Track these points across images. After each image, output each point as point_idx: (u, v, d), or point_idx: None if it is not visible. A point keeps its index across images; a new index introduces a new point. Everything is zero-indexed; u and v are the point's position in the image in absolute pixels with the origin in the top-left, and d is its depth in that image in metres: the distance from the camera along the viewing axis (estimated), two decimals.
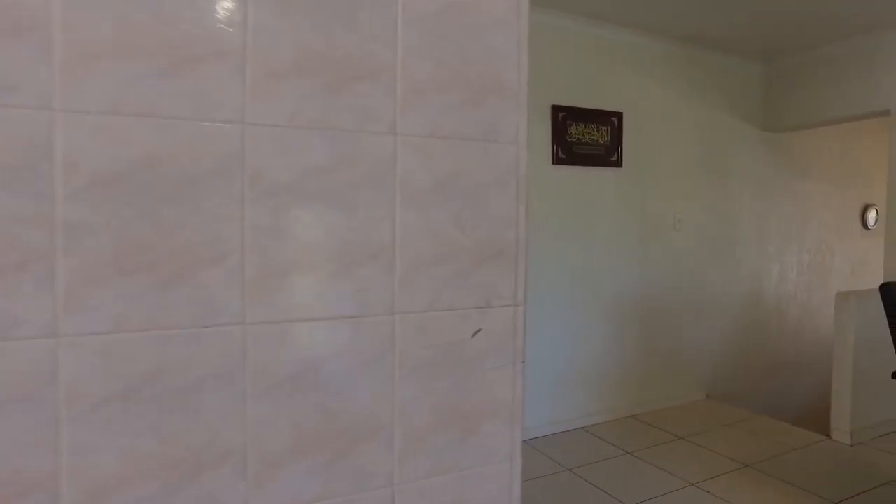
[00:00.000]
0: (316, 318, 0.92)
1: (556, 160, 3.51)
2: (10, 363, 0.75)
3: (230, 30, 0.85)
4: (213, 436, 0.86)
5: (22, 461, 0.76)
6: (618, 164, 3.74)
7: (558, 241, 3.53)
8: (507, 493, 1.10)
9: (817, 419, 4.85)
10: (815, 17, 3.53)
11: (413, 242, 0.98)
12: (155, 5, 0.80)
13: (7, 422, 0.75)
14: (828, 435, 3.45)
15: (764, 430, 3.60)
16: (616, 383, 3.81)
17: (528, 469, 3.08)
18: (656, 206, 3.94)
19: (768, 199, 4.52)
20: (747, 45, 4.05)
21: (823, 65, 4.08)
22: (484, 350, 1.06)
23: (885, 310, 2.33)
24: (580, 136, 3.59)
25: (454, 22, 1.00)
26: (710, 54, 4.13)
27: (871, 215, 5.33)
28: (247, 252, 0.87)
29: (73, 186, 0.77)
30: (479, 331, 1.06)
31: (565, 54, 3.52)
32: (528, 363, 1.19)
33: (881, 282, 5.16)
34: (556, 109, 3.50)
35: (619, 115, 3.74)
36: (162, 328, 0.83)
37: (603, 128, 3.67)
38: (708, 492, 2.80)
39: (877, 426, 3.43)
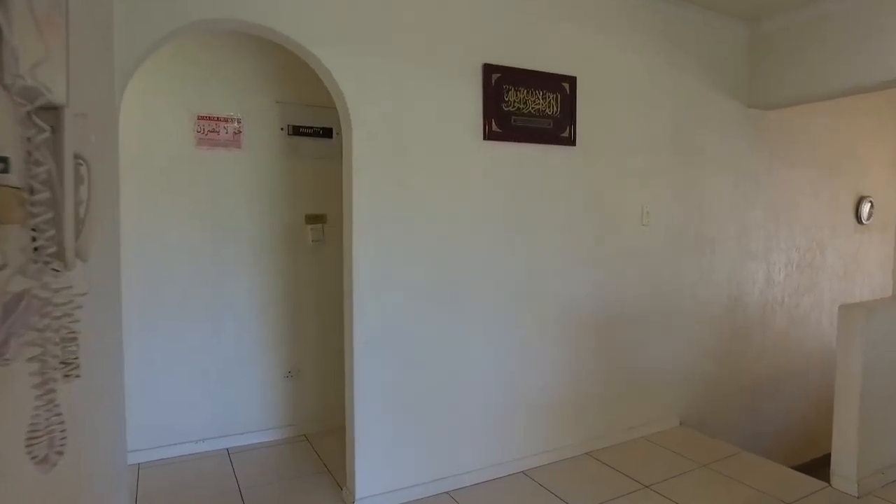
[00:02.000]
0: None
1: (489, 135, 2.75)
2: None
3: None
4: None
5: None
6: (570, 141, 2.99)
7: (491, 240, 2.78)
8: None
9: (812, 446, 4.18)
10: None
11: None
12: None
13: None
14: (828, 481, 2.75)
15: (750, 474, 2.89)
16: (568, 413, 3.08)
17: None
18: (617, 196, 3.20)
19: (752, 187, 3.82)
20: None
21: (819, 26, 3.38)
22: None
23: None
24: (521, 106, 2.83)
25: None
26: (687, 9, 3.40)
27: (866, 208, 4.68)
28: None
29: None
30: None
31: None
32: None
33: (878, 284, 4.37)
34: (488, 70, 2.73)
35: (573, 81, 2.98)
36: None
37: (551, 95, 2.92)
38: None
39: (888, 470, 2.75)
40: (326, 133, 3.39)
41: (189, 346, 3.10)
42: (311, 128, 3.35)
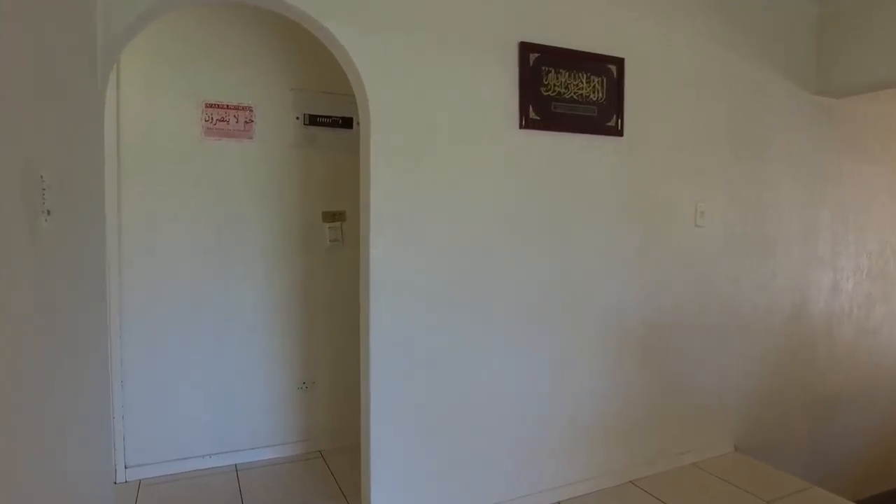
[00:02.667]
0: None
1: (527, 123, 2.43)
2: None
3: None
4: None
5: None
6: (616, 131, 2.65)
7: (525, 241, 2.46)
8: None
9: (887, 475, 3.75)
10: None
11: None
12: None
13: None
14: None
15: None
16: (609, 436, 2.74)
17: None
18: (668, 193, 2.85)
19: (818, 184, 3.41)
20: None
21: None
22: None
23: None
24: (562, 90, 2.50)
25: None
26: None
27: None
28: None
29: None
30: None
31: None
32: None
33: None
34: (525, 49, 2.41)
35: (620, 63, 2.64)
36: None
37: (596, 79, 2.58)
38: None
39: None
40: (346, 123, 3.12)
41: (195, 353, 2.86)
42: (330, 117, 3.08)
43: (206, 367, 2.88)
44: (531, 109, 2.44)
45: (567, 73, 2.50)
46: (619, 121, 2.65)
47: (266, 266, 2.98)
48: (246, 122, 2.88)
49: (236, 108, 2.85)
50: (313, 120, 3.04)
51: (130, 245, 2.69)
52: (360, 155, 2.29)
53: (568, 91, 2.51)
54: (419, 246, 2.25)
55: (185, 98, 2.76)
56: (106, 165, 2.54)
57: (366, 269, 2.22)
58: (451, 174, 2.30)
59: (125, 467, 2.73)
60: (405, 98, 2.20)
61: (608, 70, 2.61)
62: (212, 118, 2.80)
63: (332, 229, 3.12)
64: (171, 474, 2.80)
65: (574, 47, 2.51)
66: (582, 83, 2.54)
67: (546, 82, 2.46)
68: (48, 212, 1.20)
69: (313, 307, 3.11)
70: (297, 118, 3.00)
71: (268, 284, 2.99)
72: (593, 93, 2.57)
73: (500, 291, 2.41)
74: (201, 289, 2.85)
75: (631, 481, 2.78)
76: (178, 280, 2.79)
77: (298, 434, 3.12)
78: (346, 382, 3.18)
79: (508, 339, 2.45)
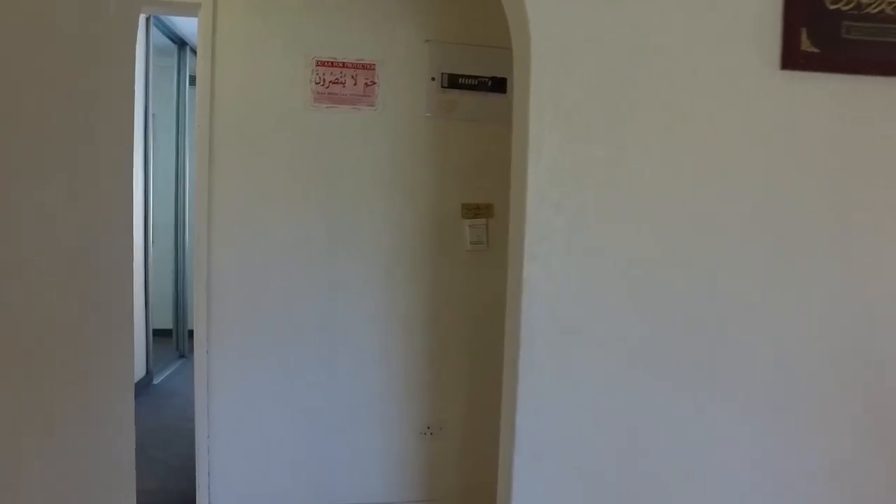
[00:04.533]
0: None
1: (795, 59, 1.41)
2: None
3: None
4: None
5: None
6: None
7: (777, 258, 1.44)
8: None
9: None
10: None
11: None
12: None
13: None
14: None
15: None
16: None
17: None
18: None
19: None
20: None
21: None
22: None
23: None
24: (864, 1, 1.44)
25: None
26: None
27: None
28: None
29: None
30: None
31: None
32: None
33: None
34: None
35: None
36: None
37: None
38: None
39: None
40: (497, 85, 2.31)
41: (294, 381, 2.26)
42: (476, 78, 2.29)
43: (307, 399, 2.28)
44: (804, 36, 1.42)
45: None
46: None
47: (386, 274, 2.29)
48: (366, 84, 2.20)
49: (354, 66, 2.19)
50: (454, 81, 2.27)
51: (220, 241, 2.15)
52: (514, 121, 1.48)
53: (874, 2, 1.45)
54: (605, 261, 1.37)
55: (290, 55, 2.16)
56: (197, 145, 2.03)
57: (516, 290, 1.40)
58: (659, 147, 1.38)
59: None
60: (590, 25, 1.33)
61: None
62: (323, 80, 2.16)
63: (474, 228, 2.34)
64: None
65: None
66: None
67: None
68: None
69: (445, 330, 2.36)
70: (433, 79, 2.26)
71: (388, 298, 2.30)
72: None
73: (729, 337, 1.44)
74: (303, 300, 2.23)
75: None
76: (275, 286, 2.21)
77: (419, 491, 2.40)
78: (483, 429, 2.39)
79: (743, 414, 1.46)
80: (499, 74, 2.30)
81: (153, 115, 4.79)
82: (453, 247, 2.33)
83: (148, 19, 4.02)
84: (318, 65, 2.16)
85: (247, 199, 2.17)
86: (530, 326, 1.36)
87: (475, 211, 2.34)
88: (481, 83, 2.30)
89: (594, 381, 1.38)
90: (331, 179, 2.22)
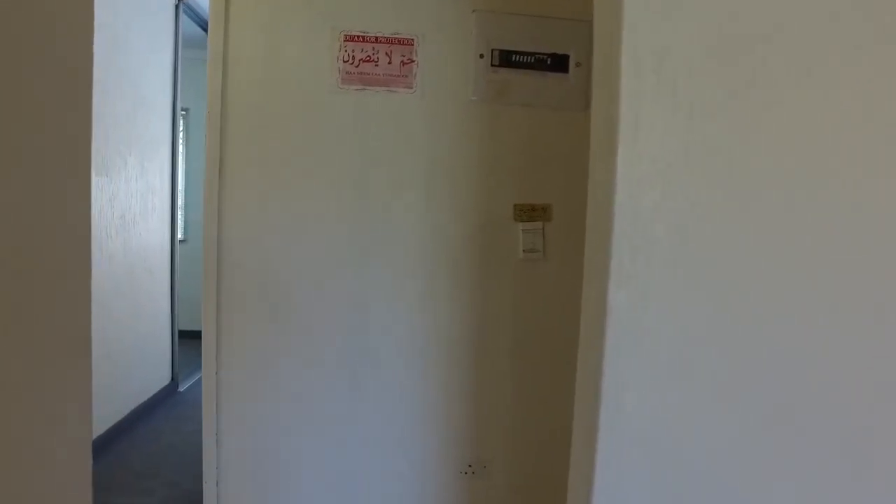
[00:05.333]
0: None
1: None
2: None
3: None
4: None
5: None
6: None
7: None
8: None
9: None
10: None
11: None
12: None
13: None
14: None
15: None
16: None
17: None
18: None
19: None
20: None
21: None
22: None
23: None
24: None
25: None
26: None
27: None
28: None
29: None
30: None
31: None
32: None
33: None
34: None
35: None
36: None
37: None
38: None
39: None
40: (558, 63, 1.94)
41: (315, 408, 1.94)
42: (533, 54, 1.92)
43: (329, 431, 1.95)
44: None
45: None
46: None
47: (424, 288, 1.95)
48: (403, 62, 1.86)
49: (389, 41, 1.85)
50: (506, 58, 1.91)
51: (232, 249, 1.85)
52: (595, 92, 1.12)
53: None
54: (726, 286, 0.99)
55: (314, 28, 1.84)
56: (208, 136, 1.74)
57: (597, 323, 1.04)
58: (800, 129, 0.99)
59: None
60: None
61: None
62: (353, 57, 1.84)
63: (528, 233, 1.98)
64: None
65: None
66: None
67: None
68: None
69: (491, 353, 2.00)
70: (482, 56, 1.91)
71: (425, 316, 1.96)
72: None
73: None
74: (326, 318, 1.91)
75: None
76: (293, 302, 1.89)
77: None
78: (533, 468, 2.03)
79: None
80: (560, 50, 1.93)
81: (184, 110, 4.61)
82: (503, 256, 1.97)
83: (177, 5, 3.79)
84: (346, 40, 1.84)
85: (262, 199, 1.86)
86: (617, 372, 0.99)
87: (530, 213, 1.97)
88: (539, 61, 1.93)
89: (709, 458, 1.00)
90: (360, 176, 1.90)
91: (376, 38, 1.85)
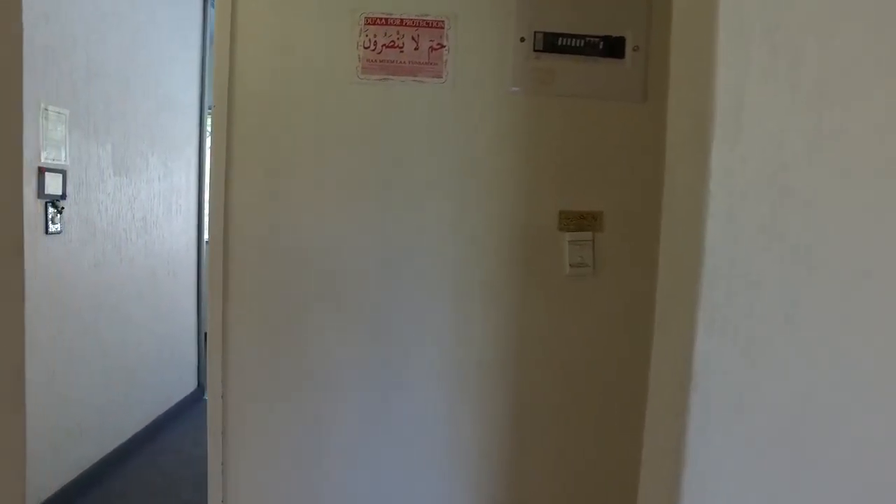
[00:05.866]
0: None
1: None
2: None
3: None
4: None
5: None
6: None
7: None
8: None
9: None
10: None
11: None
12: None
13: None
14: None
15: None
16: None
17: None
18: None
19: None
20: None
21: None
22: None
23: None
24: None
25: None
26: None
27: None
28: None
29: None
30: None
31: None
32: None
33: None
34: None
35: None
36: None
37: None
38: None
39: None
40: (612, 48, 1.67)
41: (333, 444, 1.73)
42: (583, 38, 1.66)
43: (346, 465, 1.74)
44: None
45: None
46: None
47: (455, 306, 1.71)
48: (432, 48, 1.62)
49: (416, 23, 1.62)
50: (551, 43, 1.65)
51: (239, 258, 1.65)
52: (670, 101, 0.85)
53: None
54: (859, 336, 0.72)
55: (332, 10, 1.62)
56: (213, 132, 1.56)
57: (679, 377, 0.78)
58: None
59: None
60: None
61: None
62: (375, 43, 1.61)
63: (575, 245, 1.71)
64: None
65: None
66: None
67: None
68: None
69: (530, 382, 1.75)
70: (523, 39, 1.65)
71: (456, 339, 1.72)
72: None
73: None
74: (345, 338, 1.69)
75: None
76: (308, 319, 1.68)
77: None
78: None
79: None
80: (614, 32, 1.66)
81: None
82: (546, 271, 1.71)
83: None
84: (368, 23, 1.61)
85: (273, 205, 1.66)
86: (706, 441, 0.73)
87: (578, 221, 1.70)
88: (589, 45, 1.66)
89: None
90: (384, 179, 1.67)
91: (401, 21, 1.61)
